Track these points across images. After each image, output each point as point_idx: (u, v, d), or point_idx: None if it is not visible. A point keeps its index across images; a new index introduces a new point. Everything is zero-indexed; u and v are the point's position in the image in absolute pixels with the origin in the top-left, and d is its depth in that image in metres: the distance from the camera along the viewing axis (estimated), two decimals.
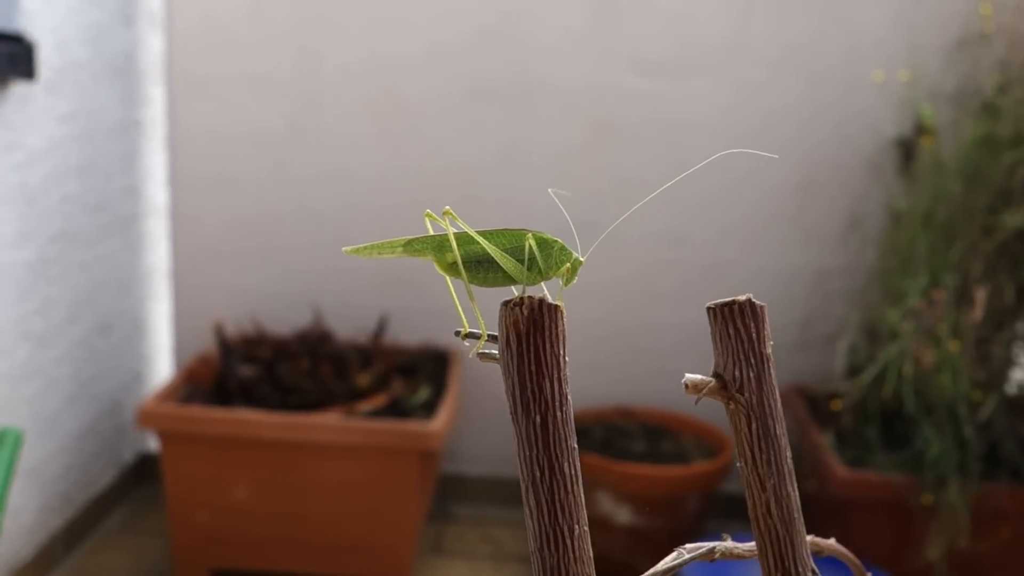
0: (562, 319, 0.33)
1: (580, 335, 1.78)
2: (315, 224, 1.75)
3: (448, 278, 0.42)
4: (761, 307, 0.34)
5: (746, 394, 0.34)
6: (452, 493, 1.83)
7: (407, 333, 1.75)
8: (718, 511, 1.75)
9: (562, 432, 0.33)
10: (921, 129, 1.59)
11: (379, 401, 1.53)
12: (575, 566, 0.32)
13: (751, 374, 0.34)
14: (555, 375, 0.33)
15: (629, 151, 1.72)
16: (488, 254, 0.40)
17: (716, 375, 0.35)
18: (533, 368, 0.33)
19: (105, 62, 1.60)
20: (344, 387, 1.54)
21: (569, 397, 0.33)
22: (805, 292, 1.77)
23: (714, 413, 1.77)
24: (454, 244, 0.40)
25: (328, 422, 1.44)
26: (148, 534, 1.65)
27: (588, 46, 1.69)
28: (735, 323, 0.34)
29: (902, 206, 1.60)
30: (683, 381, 0.35)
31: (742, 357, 0.34)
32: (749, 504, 0.35)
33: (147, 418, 1.44)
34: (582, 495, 0.33)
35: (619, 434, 1.70)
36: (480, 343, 0.38)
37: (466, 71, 1.70)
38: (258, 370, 1.56)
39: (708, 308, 0.35)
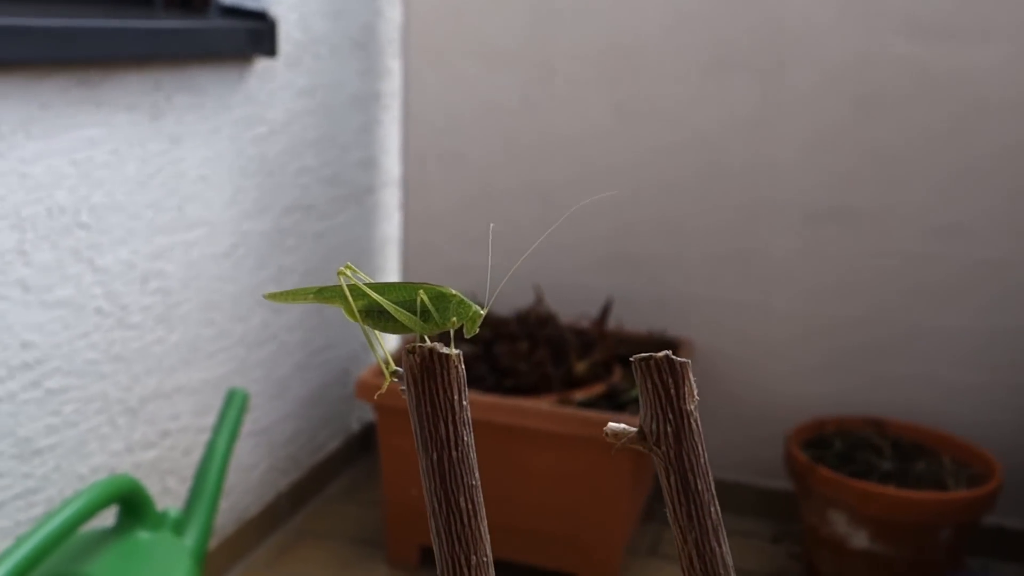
0: (456, 366, 0.38)
1: (829, 335, 1.76)
2: (543, 200, 1.85)
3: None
4: (682, 364, 0.38)
5: (663, 447, 0.38)
6: None
7: (633, 320, 1.81)
8: (984, 546, 1.68)
9: (457, 470, 0.38)
10: None
11: (596, 390, 1.60)
12: None
13: (668, 429, 0.38)
14: (449, 418, 0.38)
15: (894, 127, 1.67)
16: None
17: (640, 427, 0.39)
18: (429, 410, 0.38)
19: (345, 35, 1.77)
20: (561, 372, 1.63)
21: (467, 438, 0.38)
22: None
23: (981, 432, 1.69)
24: (350, 296, 0.45)
25: (541, 408, 1.53)
26: (367, 504, 1.83)
27: (848, 6, 1.66)
28: (652, 378, 0.38)
29: None
30: (604, 429, 0.39)
31: (660, 411, 0.38)
32: (679, 557, 0.39)
33: (364, 389, 1.60)
34: (483, 528, 0.38)
35: (864, 448, 1.67)
36: (384, 384, 0.44)
37: (709, 39, 1.72)
38: (475, 349, 1.68)
39: (630, 360, 0.38)
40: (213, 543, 1.55)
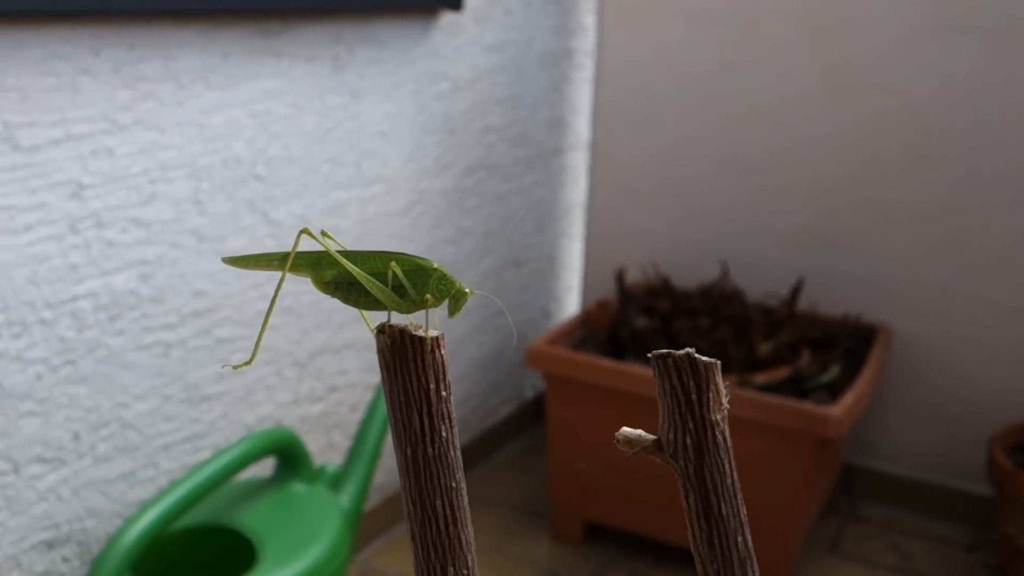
0: (434, 351, 0.32)
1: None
2: (737, 171, 1.75)
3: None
4: (707, 365, 0.31)
5: (680, 461, 0.31)
6: (861, 490, 1.75)
7: (828, 302, 1.69)
8: None
9: (433, 469, 0.33)
10: None
11: (779, 374, 1.51)
12: None
13: (688, 440, 0.31)
14: (424, 409, 0.33)
15: None
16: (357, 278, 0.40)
17: (658, 435, 0.32)
18: (402, 399, 0.33)
19: None
20: (742, 353, 1.54)
21: (446, 433, 0.32)
22: None
23: None
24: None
25: None
26: (535, 474, 1.80)
27: None
28: (671, 379, 0.31)
29: None
30: (616, 435, 0.33)
31: (678, 419, 0.31)
32: None
33: (535, 358, 1.56)
34: (464, 535, 0.33)
35: None
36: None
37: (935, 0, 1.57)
38: (654, 322, 1.61)
39: (648, 356, 0.32)
40: (376, 500, 1.56)
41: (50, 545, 1.09)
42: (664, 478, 1.52)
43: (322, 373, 1.41)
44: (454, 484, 0.33)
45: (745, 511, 0.33)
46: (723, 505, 0.32)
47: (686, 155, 1.79)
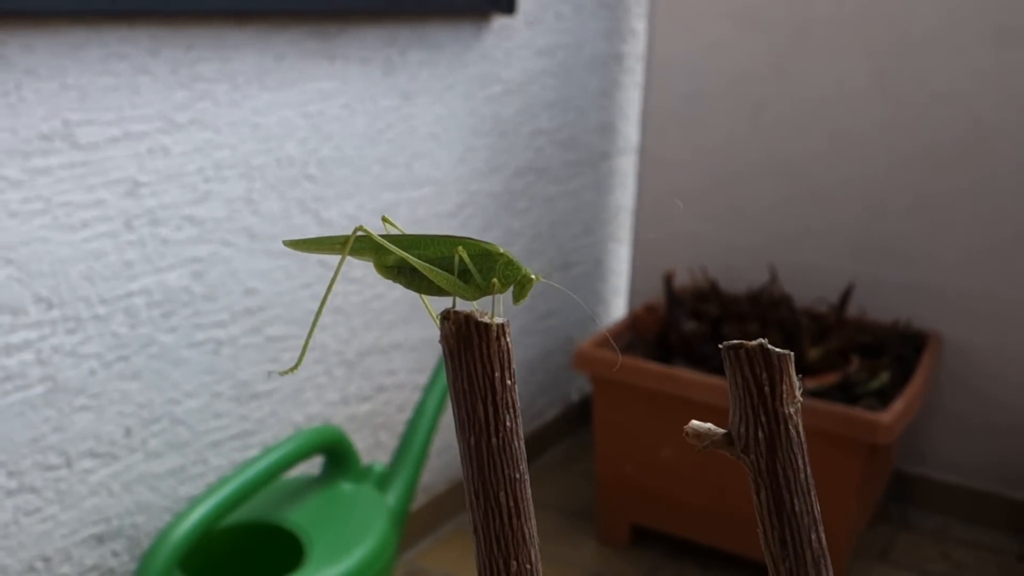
0: (499, 338, 0.31)
1: None
2: (787, 175, 1.72)
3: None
4: (781, 356, 0.29)
5: (752, 456, 0.30)
6: (912, 498, 1.72)
7: (879, 308, 1.66)
8: None
9: (497, 460, 0.32)
10: None
11: (828, 379, 1.48)
12: None
13: (760, 434, 0.30)
14: (488, 398, 0.32)
15: None
16: (421, 262, 0.38)
17: (728, 429, 0.31)
18: (466, 387, 0.32)
19: None
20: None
21: (510, 423, 0.32)
22: None
23: None
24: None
25: None
26: (581, 476, 1.78)
27: None
28: (743, 371, 0.30)
29: None
30: (685, 428, 0.32)
31: (750, 412, 0.30)
32: None
33: (582, 360, 1.55)
34: (528, 528, 0.32)
35: None
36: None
37: (990, 5, 1.53)
38: (703, 327, 1.59)
39: (719, 347, 0.31)
40: (423, 499, 1.55)
41: (100, 539, 1.10)
42: (711, 482, 1.51)
43: (370, 373, 1.41)
44: (518, 475, 0.33)
45: (819, 507, 0.32)
46: (796, 501, 0.31)
47: (734, 159, 1.77)
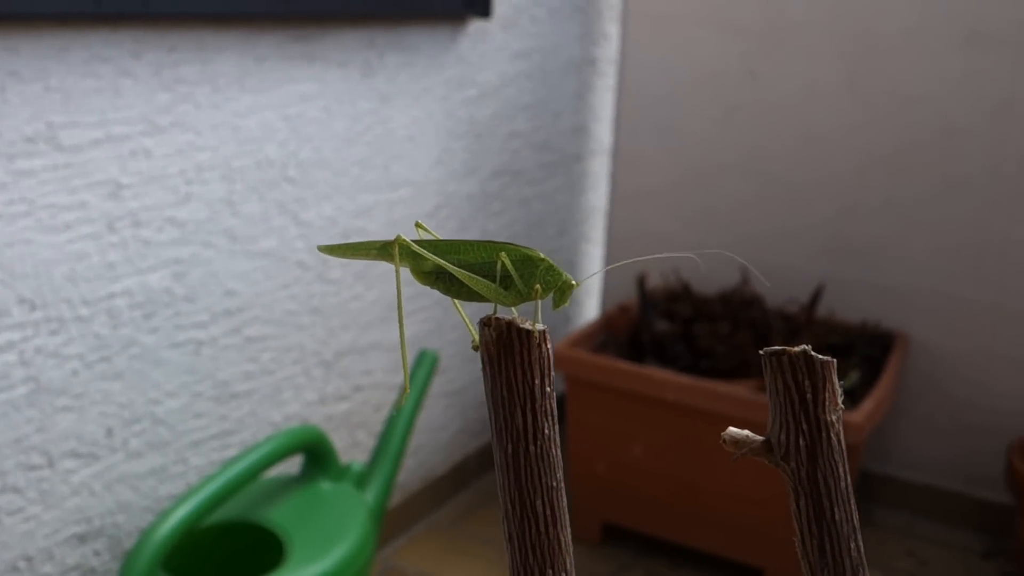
0: (540, 345, 0.32)
1: None
2: (758, 177, 1.75)
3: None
4: (824, 363, 0.30)
5: (792, 463, 0.31)
6: (878, 496, 1.75)
7: (847, 308, 1.69)
8: None
9: (535, 468, 0.32)
10: None
11: None
12: None
13: (801, 442, 0.30)
14: (528, 406, 0.32)
15: None
16: (460, 268, 0.38)
17: (767, 436, 0.32)
18: (505, 395, 0.32)
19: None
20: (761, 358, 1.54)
21: (548, 431, 0.32)
22: None
23: None
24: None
25: (737, 393, 1.45)
26: None
27: None
28: (784, 377, 0.30)
29: None
30: (722, 435, 0.32)
31: (791, 419, 0.31)
32: None
33: (556, 360, 1.56)
34: (564, 537, 0.32)
35: None
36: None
37: (961, 10, 1.56)
38: (675, 327, 1.61)
39: (760, 353, 0.31)
40: (399, 498, 1.56)
41: (82, 539, 1.10)
42: (682, 481, 1.53)
43: (348, 373, 1.42)
44: (555, 484, 0.32)
45: (857, 516, 0.32)
46: (836, 510, 0.31)
47: (706, 161, 1.79)
